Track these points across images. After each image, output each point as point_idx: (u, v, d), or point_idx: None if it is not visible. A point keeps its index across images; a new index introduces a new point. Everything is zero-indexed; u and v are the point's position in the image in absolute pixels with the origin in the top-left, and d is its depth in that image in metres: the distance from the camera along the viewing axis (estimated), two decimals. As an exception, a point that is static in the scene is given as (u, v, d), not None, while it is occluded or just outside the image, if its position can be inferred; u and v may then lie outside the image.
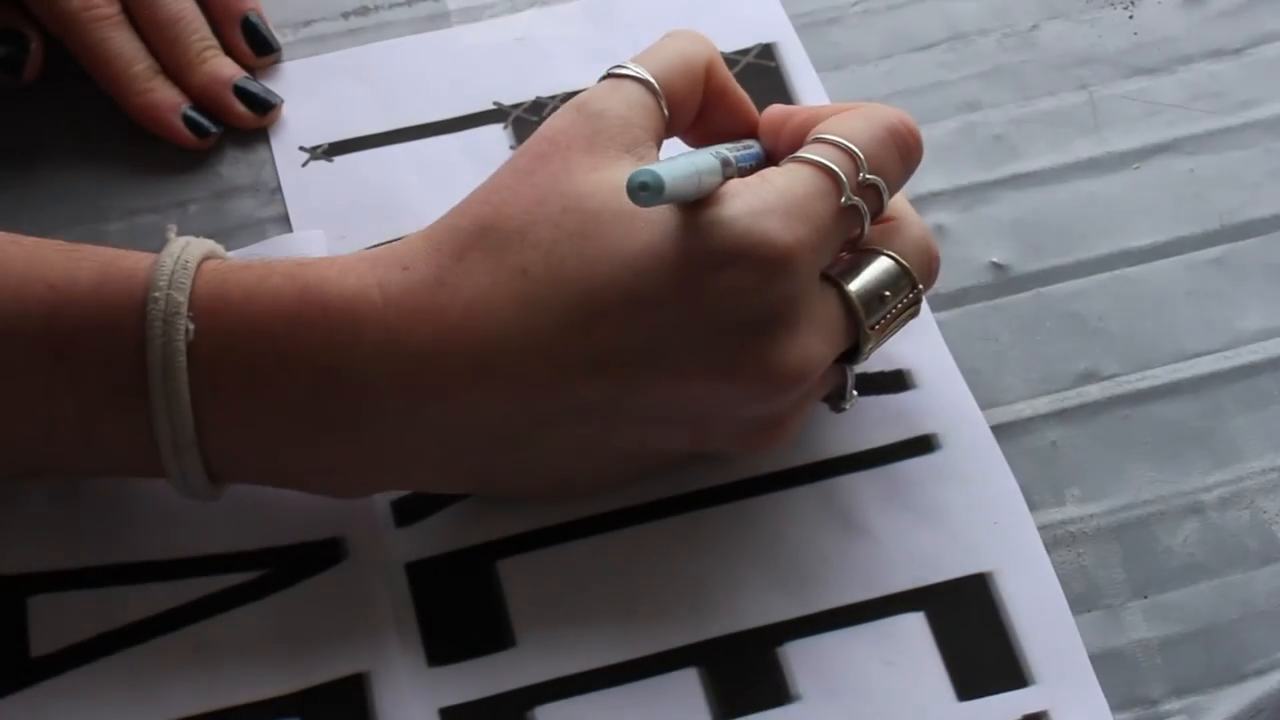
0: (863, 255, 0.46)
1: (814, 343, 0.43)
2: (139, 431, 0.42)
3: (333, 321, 0.42)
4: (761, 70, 0.57)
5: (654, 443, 0.45)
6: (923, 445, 0.49)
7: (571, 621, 0.46)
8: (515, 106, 0.56)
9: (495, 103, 0.56)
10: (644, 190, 0.38)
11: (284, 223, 0.54)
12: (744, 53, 0.58)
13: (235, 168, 0.55)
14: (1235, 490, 0.48)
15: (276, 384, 0.42)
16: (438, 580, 0.46)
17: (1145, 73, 0.57)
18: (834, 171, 0.43)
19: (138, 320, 0.42)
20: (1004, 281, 0.52)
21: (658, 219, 0.42)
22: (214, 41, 0.57)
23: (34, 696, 0.44)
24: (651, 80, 0.45)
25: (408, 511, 0.47)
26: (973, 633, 0.46)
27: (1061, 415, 0.50)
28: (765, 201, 0.42)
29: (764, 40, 0.58)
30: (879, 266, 0.45)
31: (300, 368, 0.42)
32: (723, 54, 0.56)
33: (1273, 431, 0.49)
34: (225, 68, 0.56)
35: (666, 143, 0.47)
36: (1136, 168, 0.55)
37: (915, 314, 0.47)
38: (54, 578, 0.46)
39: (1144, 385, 0.50)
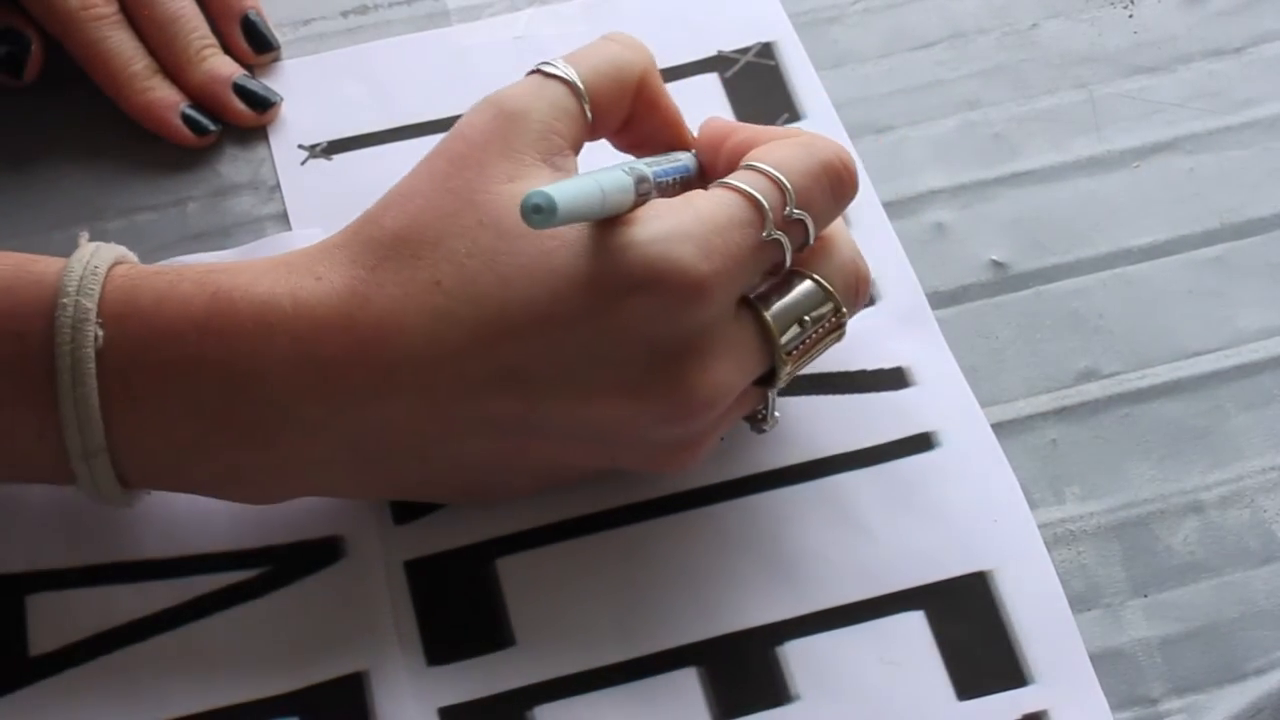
0: (786, 278, 0.45)
1: (725, 368, 0.42)
2: (49, 438, 0.42)
3: (242, 329, 0.42)
4: (761, 69, 0.57)
5: (565, 459, 0.45)
6: (922, 443, 0.49)
7: (571, 621, 0.46)
8: (514, 105, 0.56)
9: (494, 101, 0.56)
10: (537, 213, 0.37)
11: (283, 221, 0.54)
12: (743, 51, 0.57)
13: (234, 166, 0.55)
14: (1235, 489, 0.48)
15: (186, 390, 0.42)
16: (437, 579, 0.46)
17: (1145, 71, 0.57)
18: (759, 203, 0.43)
19: (46, 326, 0.41)
20: (1004, 279, 0.52)
21: (573, 238, 0.41)
22: (213, 40, 0.57)
23: (32, 695, 0.44)
24: (578, 83, 0.45)
25: (406, 509, 0.47)
26: (972, 631, 0.46)
27: (1061, 413, 0.49)
28: (683, 227, 0.41)
29: (763, 39, 0.58)
30: (800, 290, 0.44)
31: (210, 374, 0.42)
32: (722, 53, 0.57)
33: (1273, 430, 0.49)
34: (224, 66, 0.56)
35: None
36: (1136, 166, 0.55)
37: (839, 338, 0.46)
38: (52, 576, 0.46)
39: (1144, 384, 0.50)
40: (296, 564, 0.46)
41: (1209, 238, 0.53)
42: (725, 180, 0.43)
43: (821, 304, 0.45)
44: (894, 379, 0.50)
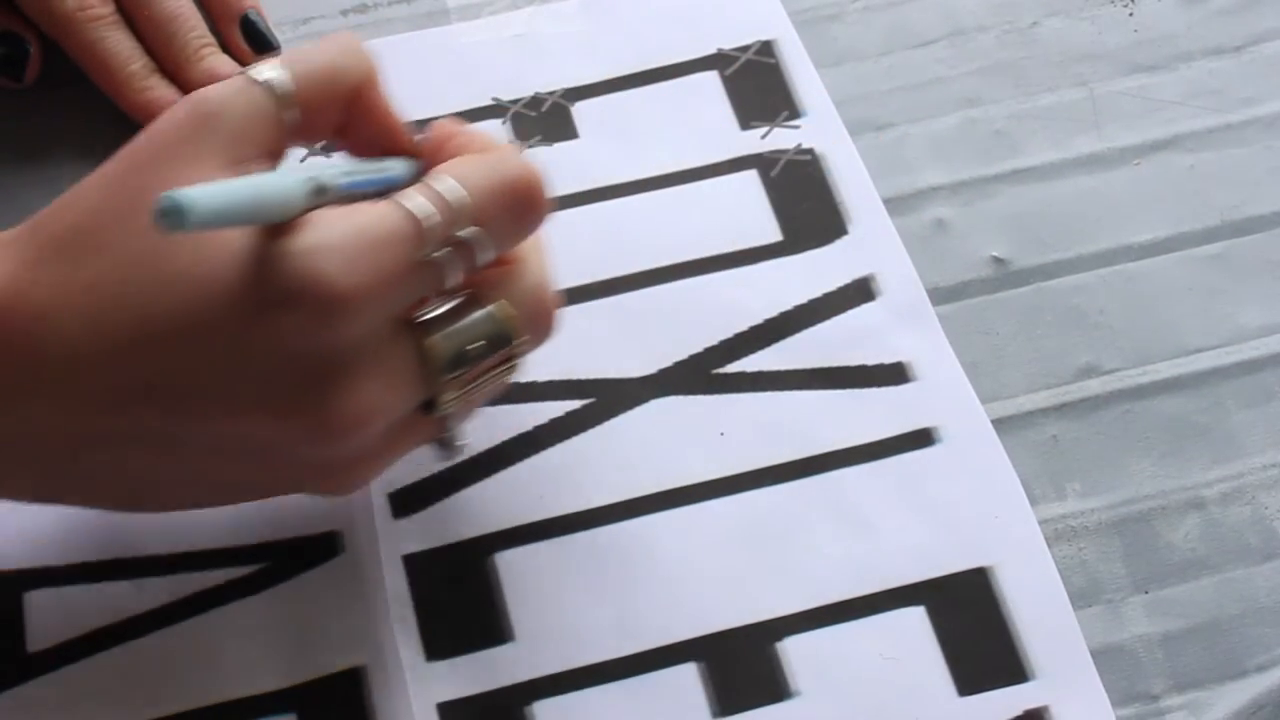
0: (460, 302, 0.42)
1: (373, 391, 0.40)
2: None
3: None
4: (761, 67, 0.57)
5: (218, 473, 0.42)
6: (923, 439, 0.49)
7: (570, 616, 0.46)
8: (514, 102, 0.56)
9: (494, 99, 0.56)
10: (164, 217, 0.34)
11: (282, 219, 0.54)
12: (743, 49, 0.57)
13: (233, 164, 0.55)
14: (1236, 485, 0.48)
15: None
16: (435, 573, 0.46)
17: (1145, 69, 0.57)
18: (418, 219, 0.40)
19: None
20: (1004, 275, 0.52)
21: (234, 245, 0.39)
22: (211, 39, 0.57)
23: (30, 692, 0.44)
24: (285, 87, 0.42)
25: (405, 503, 0.47)
26: (973, 627, 0.45)
27: (1062, 409, 0.49)
28: (333, 240, 0.39)
29: (763, 37, 0.58)
30: (472, 317, 0.42)
31: None
32: (722, 50, 0.57)
33: (1274, 427, 0.49)
34: (223, 65, 0.56)
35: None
36: (1137, 164, 0.55)
37: (515, 367, 0.44)
38: (50, 573, 0.46)
39: (1145, 380, 0.50)
40: (294, 559, 0.46)
41: (1210, 235, 0.53)
42: (395, 194, 0.41)
43: (494, 332, 0.42)
44: (894, 374, 0.50)
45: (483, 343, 0.42)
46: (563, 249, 0.52)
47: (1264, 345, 0.51)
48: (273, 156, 0.43)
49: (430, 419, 0.43)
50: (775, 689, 0.45)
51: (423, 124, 0.46)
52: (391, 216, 0.40)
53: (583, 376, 0.50)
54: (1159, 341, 0.51)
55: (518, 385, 0.50)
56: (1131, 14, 0.59)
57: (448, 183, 0.41)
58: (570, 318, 0.51)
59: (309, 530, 0.47)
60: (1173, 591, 0.46)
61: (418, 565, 0.46)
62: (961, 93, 0.56)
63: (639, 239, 0.53)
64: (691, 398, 0.49)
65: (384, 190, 0.43)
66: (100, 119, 0.56)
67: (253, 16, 0.57)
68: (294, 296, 0.38)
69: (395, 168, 0.45)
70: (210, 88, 0.42)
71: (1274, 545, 0.47)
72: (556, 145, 0.55)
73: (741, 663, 0.45)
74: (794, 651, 0.45)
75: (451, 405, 0.42)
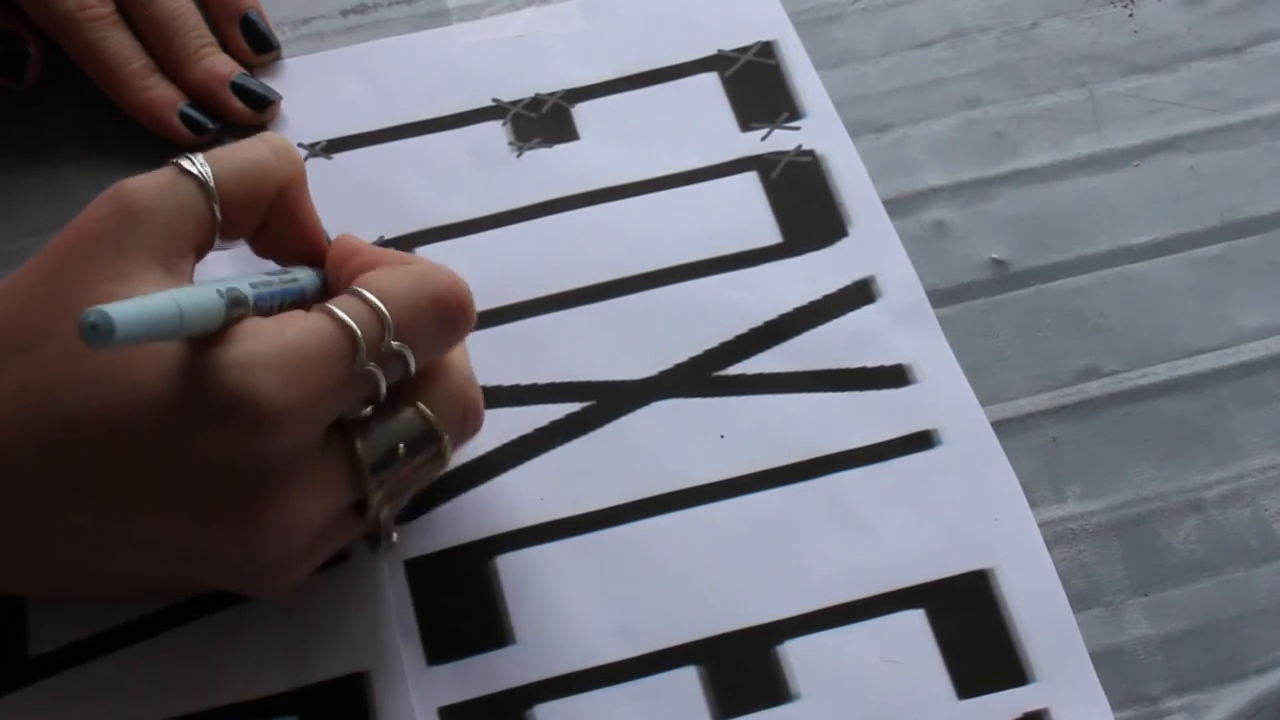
0: (386, 405, 0.42)
1: (302, 500, 0.40)
2: None
3: None
4: (761, 68, 0.57)
5: (154, 572, 0.43)
6: (923, 441, 0.49)
7: (570, 619, 0.46)
8: (514, 103, 0.56)
9: (494, 100, 0.56)
10: (92, 331, 0.34)
11: (283, 220, 0.54)
12: (743, 50, 0.57)
13: (234, 165, 0.55)
14: (1236, 488, 0.48)
15: None
16: (436, 577, 0.46)
17: (1145, 70, 0.57)
18: (353, 333, 0.40)
19: None
20: (1004, 278, 0.52)
21: (165, 353, 0.39)
22: (211, 39, 0.57)
23: (32, 695, 0.44)
24: (211, 183, 0.42)
25: (406, 508, 0.47)
26: (973, 630, 0.46)
27: (1062, 412, 0.49)
28: (266, 354, 0.39)
29: (763, 38, 0.58)
30: (398, 420, 0.42)
31: None
32: (722, 52, 0.57)
33: (1274, 429, 0.49)
34: (223, 64, 0.56)
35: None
36: (1137, 165, 0.55)
37: (441, 466, 0.44)
38: (52, 576, 0.46)
39: (1145, 382, 0.50)
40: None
41: (1209, 236, 0.53)
42: (325, 304, 0.41)
43: (420, 433, 0.43)
44: (894, 377, 0.50)
45: (417, 442, 0.42)
46: (563, 250, 0.53)
47: (1264, 347, 0.51)
48: (200, 251, 0.43)
49: (350, 520, 0.43)
50: (776, 692, 0.45)
51: None
52: (324, 330, 0.40)
53: (583, 379, 0.50)
54: (1159, 343, 0.51)
55: (518, 388, 0.50)
56: (1131, 15, 0.59)
57: (376, 295, 0.41)
58: (570, 320, 0.51)
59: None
60: (1172, 594, 0.46)
61: (420, 569, 0.46)
62: (961, 94, 0.56)
63: (639, 240, 0.53)
64: (692, 400, 0.50)
65: (295, 302, 0.43)
66: (100, 119, 0.56)
67: (253, 16, 0.57)
68: (226, 412, 0.38)
69: (304, 278, 0.44)
70: (138, 180, 0.42)
71: (1273, 547, 0.47)
72: (557, 147, 0.55)
73: (742, 666, 0.45)
74: (794, 654, 0.45)
75: (380, 506, 0.43)
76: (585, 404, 0.49)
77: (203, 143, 0.55)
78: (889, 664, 0.45)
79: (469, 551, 0.47)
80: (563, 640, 0.45)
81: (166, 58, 0.56)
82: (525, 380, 0.50)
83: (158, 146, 0.55)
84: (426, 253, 0.53)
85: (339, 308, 0.41)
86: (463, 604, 0.46)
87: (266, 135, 0.45)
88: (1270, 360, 0.51)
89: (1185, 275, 0.52)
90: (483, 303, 0.51)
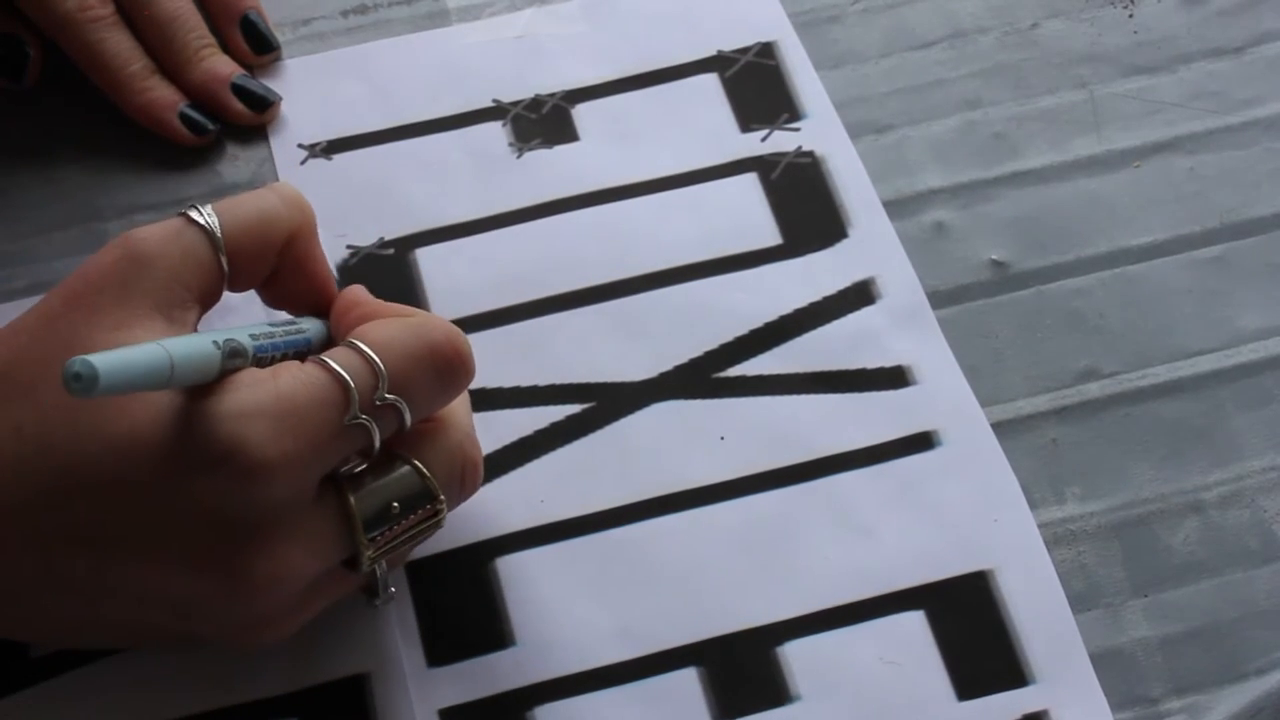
0: (384, 460, 0.42)
1: (292, 553, 0.40)
2: None
3: None
4: (761, 69, 0.57)
5: (142, 622, 0.42)
6: (923, 442, 0.49)
7: (570, 621, 0.46)
8: (514, 104, 0.56)
9: (494, 100, 0.56)
10: (76, 381, 0.34)
11: (283, 221, 0.54)
12: (743, 51, 0.57)
13: (234, 166, 0.55)
14: (1236, 489, 0.48)
15: None
16: (437, 579, 0.46)
17: (1145, 71, 0.57)
18: (346, 384, 0.40)
19: None
20: (1004, 279, 0.52)
21: (159, 402, 0.39)
22: (211, 40, 0.57)
23: (33, 697, 0.45)
24: (218, 233, 0.42)
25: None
26: (973, 631, 0.46)
27: (1062, 413, 0.49)
28: (259, 404, 0.39)
29: (763, 39, 0.58)
30: (394, 476, 0.42)
31: None
32: (722, 52, 0.57)
33: (1273, 430, 0.49)
34: (223, 65, 0.56)
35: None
36: (1137, 166, 0.55)
37: (438, 525, 0.43)
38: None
39: (1144, 383, 0.50)
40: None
41: (1209, 237, 0.53)
42: (320, 356, 0.41)
43: (415, 491, 0.42)
44: (894, 378, 0.50)
45: (412, 500, 0.42)
46: (563, 252, 0.53)
47: (1263, 348, 0.51)
48: (206, 301, 0.42)
49: (343, 575, 0.43)
50: (776, 693, 0.45)
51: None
52: (317, 381, 0.40)
53: (583, 380, 0.50)
54: (1158, 345, 0.51)
55: (518, 389, 0.50)
56: (1131, 15, 0.59)
57: (370, 346, 0.41)
58: (570, 321, 0.51)
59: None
60: (1172, 595, 0.46)
61: (420, 571, 0.46)
62: (961, 95, 0.56)
63: (639, 242, 0.53)
64: (692, 402, 0.50)
65: (299, 354, 0.43)
66: (100, 119, 0.56)
67: (253, 17, 0.57)
68: (218, 462, 0.38)
69: (310, 328, 0.44)
70: (145, 229, 0.42)
71: (1273, 548, 0.47)
72: (557, 147, 0.55)
73: (742, 667, 0.45)
74: (794, 656, 0.45)
75: (373, 563, 0.42)
76: (585, 405, 0.50)
77: (203, 143, 0.55)
78: (889, 665, 0.45)
79: (469, 553, 0.47)
80: (563, 642, 0.45)
81: (166, 58, 0.56)
82: (525, 382, 0.50)
83: (158, 147, 0.55)
84: (427, 253, 0.53)
85: (333, 359, 0.40)
86: (463, 605, 0.46)
87: (276, 185, 0.45)
88: (1270, 361, 0.51)
89: (1185, 276, 0.52)
90: (482, 304, 0.52)
